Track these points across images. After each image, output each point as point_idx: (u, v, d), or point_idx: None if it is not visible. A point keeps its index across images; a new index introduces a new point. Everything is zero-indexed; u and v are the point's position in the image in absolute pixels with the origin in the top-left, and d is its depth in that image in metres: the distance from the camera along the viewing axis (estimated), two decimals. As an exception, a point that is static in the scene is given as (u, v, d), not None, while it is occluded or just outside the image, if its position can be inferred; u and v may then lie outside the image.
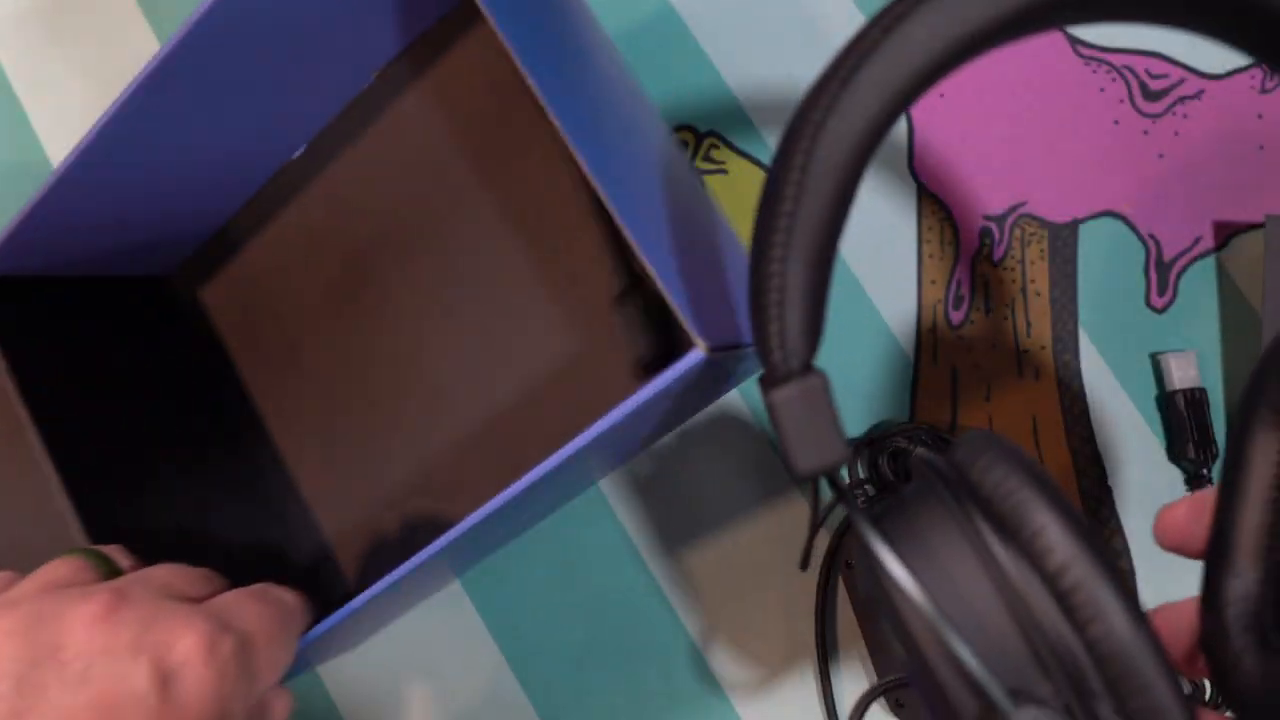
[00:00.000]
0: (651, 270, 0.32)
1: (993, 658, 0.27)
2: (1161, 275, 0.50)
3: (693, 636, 0.48)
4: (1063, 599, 0.26)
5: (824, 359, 0.50)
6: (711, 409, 0.50)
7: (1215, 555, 0.30)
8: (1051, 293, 0.50)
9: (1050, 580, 0.26)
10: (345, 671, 0.49)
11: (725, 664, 0.48)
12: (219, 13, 0.38)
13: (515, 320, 0.48)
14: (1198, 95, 0.51)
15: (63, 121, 0.55)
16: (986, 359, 0.50)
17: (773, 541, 0.48)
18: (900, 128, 0.52)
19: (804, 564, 0.31)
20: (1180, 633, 0.32)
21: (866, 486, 0.48)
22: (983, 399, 0.49)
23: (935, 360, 0.50)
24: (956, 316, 0.50)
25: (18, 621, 0.31)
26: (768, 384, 0.29)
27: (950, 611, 0.27)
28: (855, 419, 0.50)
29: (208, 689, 0.32)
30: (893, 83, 0.28)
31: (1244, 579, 0.29)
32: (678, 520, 0.49)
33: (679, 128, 0.53)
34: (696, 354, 0.31)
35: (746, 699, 0.48)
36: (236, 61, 0.42)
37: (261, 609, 0.35)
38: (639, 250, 0.32)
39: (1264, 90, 0.51)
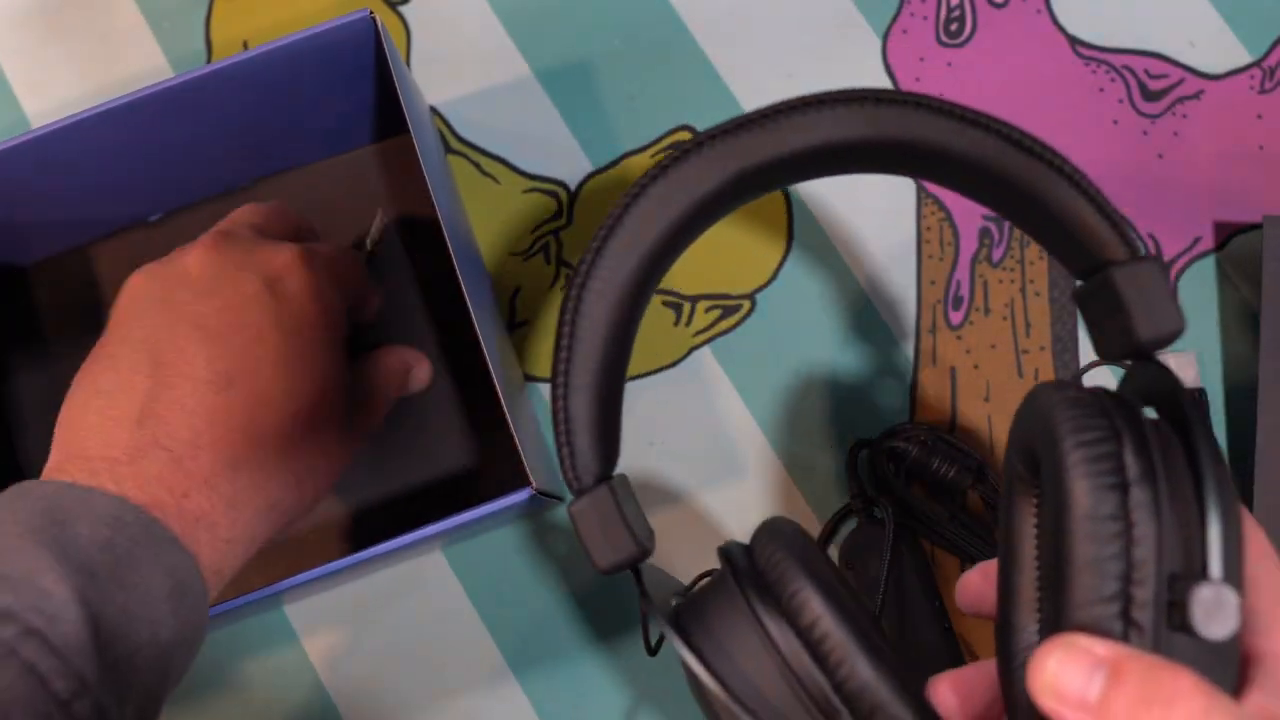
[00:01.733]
0: (507, 415, 0.40)
1: (765, 708, 0.32)
2: (1161, 275, 0.50)
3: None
4: (814, 649, 0.32)
5: (825, 359, 0.50)
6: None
7: (1001, 616, 0.33)
8: (1051, 293, 0.50)
9: (804, 634, 0.32)
10: (345, 670, 0.49)
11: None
12: (223, 72, 0.44)
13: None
14: (1197, 95, 0.51)
15: (63, 122, 0.55)
16: (986, 359, 0.50)
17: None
18: (900, 128, 0.52)
19: (649, 649, 0.37)
20: (984, 689, 0.34)
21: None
22: (982, 399, 0.50)
23: (935, 360, 0.50)
24: (956, 317, 0.50)
25: (150, 266, 0.41)
26: (573, 500, 0.35)
27: (730, 675, 0.33)
28: (855, 420, 0.50)
29: (307, 286, 0.41)
30: (636, 247, 0.36)
31: (1025, 633, 0.32)
32: (677, 526, 0.49)
33: (679, 128, 0.53)
34: (528, 491, 0.40)
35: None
36: (223, 111, 0.46)
37: (328, 248, 0.44)
38: (502, 400, 0.40)
39: (1263, 90, 0.51)
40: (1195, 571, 0.28)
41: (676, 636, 0.33)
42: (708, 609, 0.34)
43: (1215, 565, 0.27)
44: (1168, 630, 0.28)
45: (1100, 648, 0.27)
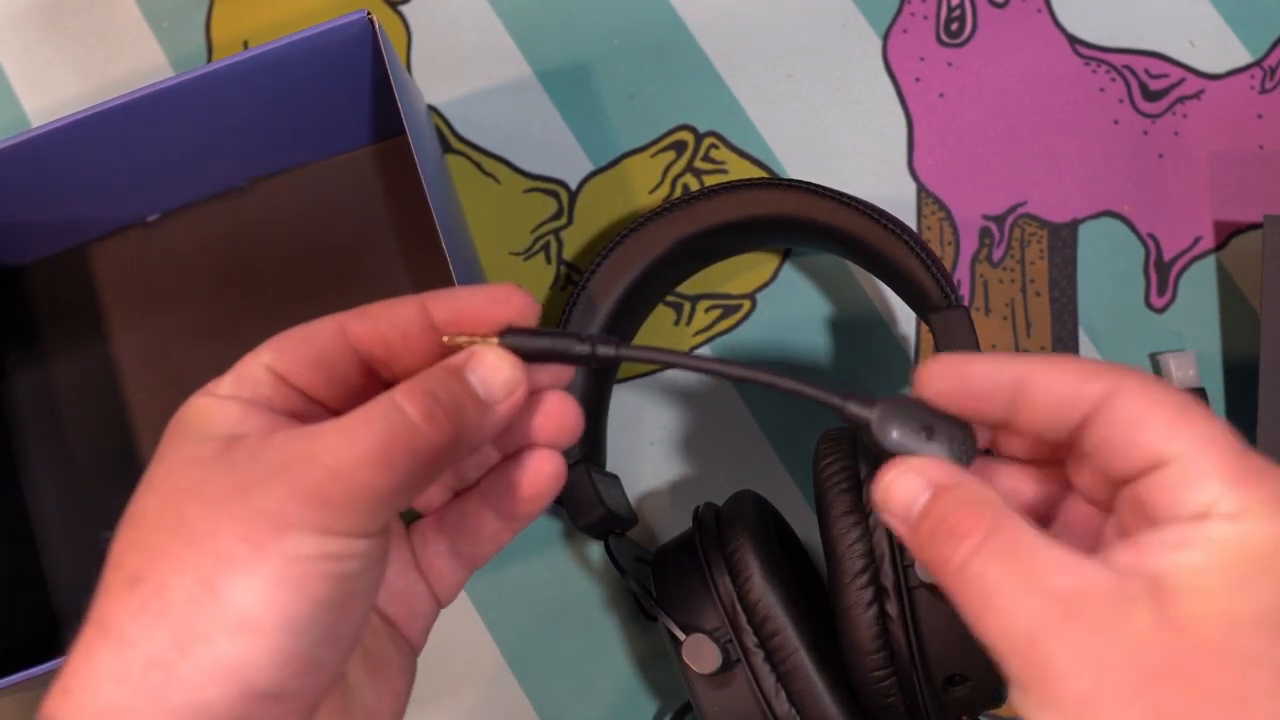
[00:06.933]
0: None
1: (691, 617, 0.41)
2: (1161, 275, 0.50)
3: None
4: (733, 571, 0.40)
5: (825, 359, 0.50)
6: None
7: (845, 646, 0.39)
8: (1051, 293, 0.50)
9: (729, 561, 0.41)
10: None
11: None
12: (220, 72, 0.43)
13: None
14: (1197, 95, 0.51)
15: (62, 121, 0.55)
16: (986, 359, 0.50)
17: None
18: (900, 127, 0.52)
19: (644, 614, 0.43)
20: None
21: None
22: (983, 399, 0.49)
23: (935, 360, 0.50)
24: (956, 316, 0.50)
25: None
26: None
27: (674, 602, 0.41)
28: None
29: None
30: (625, 272, 0.46)
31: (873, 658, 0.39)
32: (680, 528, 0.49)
33: (679, 128, 0.53)
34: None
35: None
36: (224, 110, 0.46)
37: None
38: None
39: (1264, 90, 0.51)
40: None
41: (614, 561, 0.43)
42: (671, 547, 0.44)
43: None
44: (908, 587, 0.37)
45: (932, 470, 0.28)
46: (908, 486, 0.28)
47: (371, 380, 0.30)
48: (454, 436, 0.28)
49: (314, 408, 0.30)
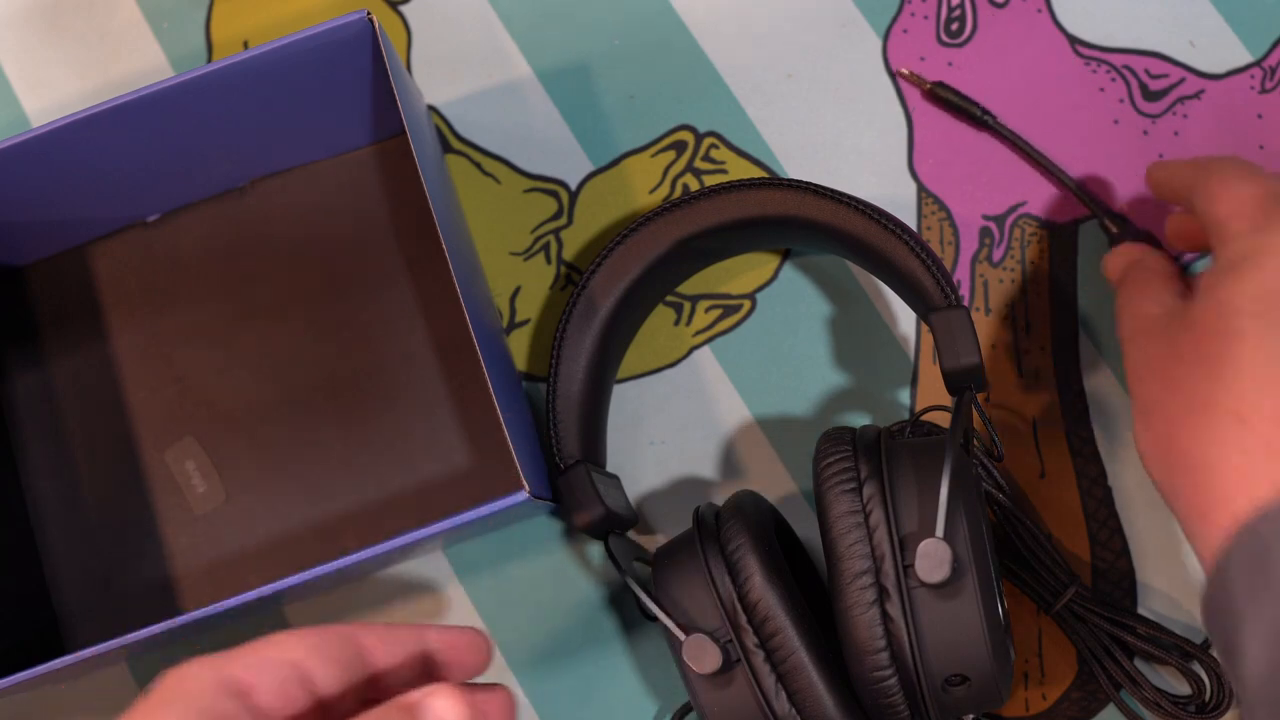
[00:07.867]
0: (502, 422, 0.41)
1: (691, 617, 0.41)
2: (1161, 275, 0.50)
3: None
4: (733, 571, 0.40)
5: (825, 359, 0.50)
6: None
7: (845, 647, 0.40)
8: (1051, 293, 0.50)
9: (729, 560, 0.41)
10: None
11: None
12: (220, 72, 0.44)
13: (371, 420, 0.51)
14: (1197, 95, 0.51)
15: (62, 121, 0.55)
16: (986, 359, 0.50)
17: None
18: (900, 127, 0.52)
19: (644, 614, 0.43)
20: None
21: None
22: (982, 399, 0.49)
23: (935, 360, 0.50)
24: (956, 316, 0.50)
25: None
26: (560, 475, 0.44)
27: (674, 602, 0.41)
28: (856, 419, 0.50)
29: None
30: (626, 272, 0.46)
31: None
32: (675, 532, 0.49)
33: (679, 128, 0.53)
34: (523, 493, 0.40)
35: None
36: (222, 111, 0.46)
37: None
38: (496, 403, 0.41)
39: (1264, 90, 0.51)
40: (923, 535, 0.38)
41: (614, 560, 0.43)
42: (671, 547, 0.43)
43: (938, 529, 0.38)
44: (909, 586, 0.38)
45: (1130, 249, 0.46)
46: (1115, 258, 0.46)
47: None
48: None
49: None
